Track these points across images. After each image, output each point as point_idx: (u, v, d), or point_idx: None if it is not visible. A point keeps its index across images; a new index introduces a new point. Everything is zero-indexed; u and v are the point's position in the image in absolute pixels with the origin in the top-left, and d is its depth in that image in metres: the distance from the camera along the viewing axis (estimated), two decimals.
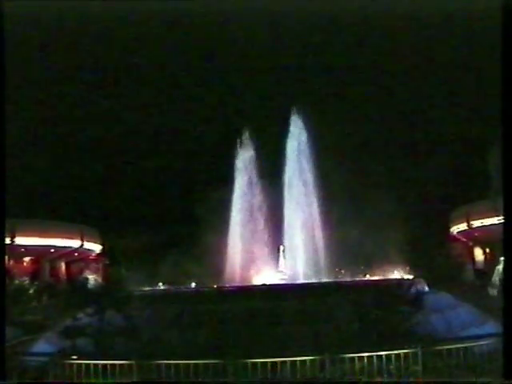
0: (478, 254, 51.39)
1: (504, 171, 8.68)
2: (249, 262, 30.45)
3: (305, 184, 31.18)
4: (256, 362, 10.37)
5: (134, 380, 10.48)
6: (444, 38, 49.71)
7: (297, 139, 31.59)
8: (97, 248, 53.15)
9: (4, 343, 9.56)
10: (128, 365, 10.61)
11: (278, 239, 31.03)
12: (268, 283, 26.64)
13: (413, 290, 15.62)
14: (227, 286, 26.25)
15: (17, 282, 31.82)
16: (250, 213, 31.63)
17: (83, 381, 10.65)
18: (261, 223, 31.43)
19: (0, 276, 11.45)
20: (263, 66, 49.31)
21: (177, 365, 10.46)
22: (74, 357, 11.02)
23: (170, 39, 48.77)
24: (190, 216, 36.21)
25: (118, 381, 10.55)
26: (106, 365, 10.66)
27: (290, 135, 31.78)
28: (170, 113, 54.12)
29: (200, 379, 10.31)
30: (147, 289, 25.45)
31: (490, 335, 11.51)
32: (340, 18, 39.60)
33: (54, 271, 51.33)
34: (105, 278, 45.36)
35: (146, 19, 44.65)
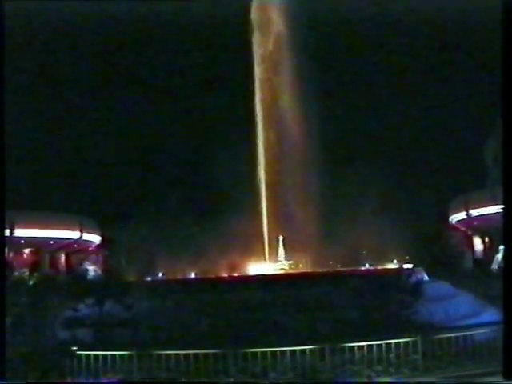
0: (477, 242, 51.46)
1: (504, 160, 8.64)
2: (248, 252, 30.43)
3: (306, 173, 31.10)
4: (255, 352, 10.39)
5: (135, 371, 10.51)
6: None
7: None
8: (96, 239, 53.14)
9: (4, 343, 9.54)
10: (128, 355, 10.63)
11: (277, 229, 30.98)
12: (267, 273, 26.65)
13: (412, 279, 15.59)
14: (226, 276, 26.27)
15: (16, 274, 31.79)
16: (250, 203, 31.56)
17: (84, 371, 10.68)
18: (260, 214, 31.40)
19: (1, 277, 10.55)
20: None
21: (177, 355, 10.47)
22: (75, 348, 11.03)
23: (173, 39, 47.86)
24: (189, 207, 36.18)
25: (119, 371, 10.58)
26: (106, 355, 10.68)
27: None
28: (171, 113, 53.83)
29: (200, 367, 10.35)
30: (147, 279, 25.48)
31: (488, 324, 11.54)
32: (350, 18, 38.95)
33: (54, 263, 51.31)
34: (105, 268, 45.38)
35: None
